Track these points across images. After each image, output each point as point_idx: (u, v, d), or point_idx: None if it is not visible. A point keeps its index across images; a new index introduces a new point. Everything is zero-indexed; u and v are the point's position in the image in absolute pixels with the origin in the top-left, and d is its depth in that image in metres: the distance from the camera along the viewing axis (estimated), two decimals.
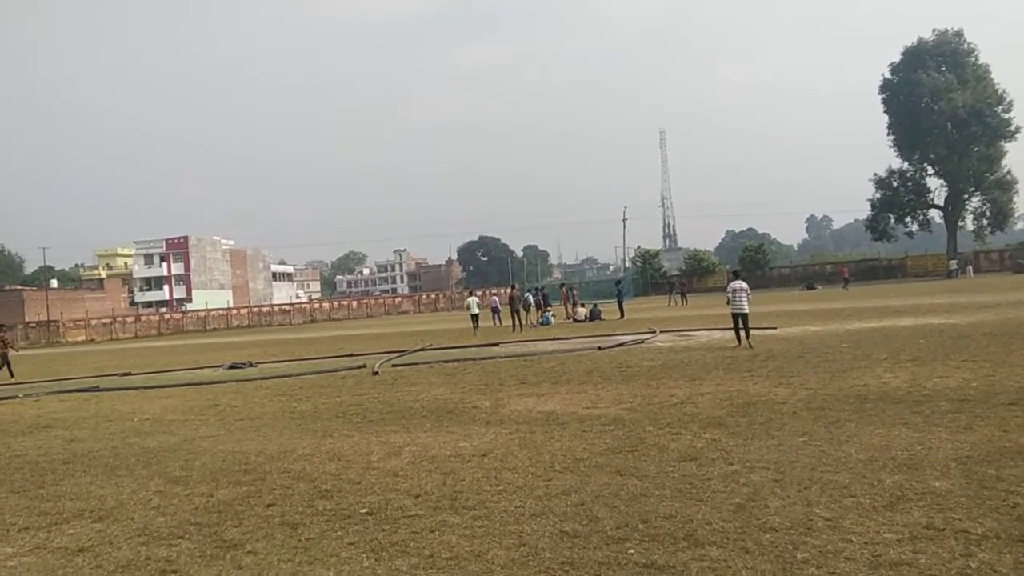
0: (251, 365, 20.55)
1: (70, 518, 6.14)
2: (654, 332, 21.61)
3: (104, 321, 70.05)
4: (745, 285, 17.30)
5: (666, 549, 4.50)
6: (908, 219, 72.57)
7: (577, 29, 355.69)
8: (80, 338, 65.63)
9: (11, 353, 24.17)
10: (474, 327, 29.55)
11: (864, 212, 76.27)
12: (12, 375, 22.72)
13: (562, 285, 49.60)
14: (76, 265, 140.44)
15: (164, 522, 5.84)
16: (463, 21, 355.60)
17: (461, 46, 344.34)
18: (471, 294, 35.87)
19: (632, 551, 4.51)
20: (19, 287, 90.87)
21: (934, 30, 70.07)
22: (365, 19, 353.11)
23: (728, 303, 17.29)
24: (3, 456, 9.24)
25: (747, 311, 16.85)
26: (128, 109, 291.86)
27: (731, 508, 5.18)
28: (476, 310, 30.38)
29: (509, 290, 32.35)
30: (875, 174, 72.48)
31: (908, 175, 71.84)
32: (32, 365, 30.98)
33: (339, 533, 5.26)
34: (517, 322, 29.70)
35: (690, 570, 4.16)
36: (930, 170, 71.76)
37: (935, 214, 74.32)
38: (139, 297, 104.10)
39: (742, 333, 16.54)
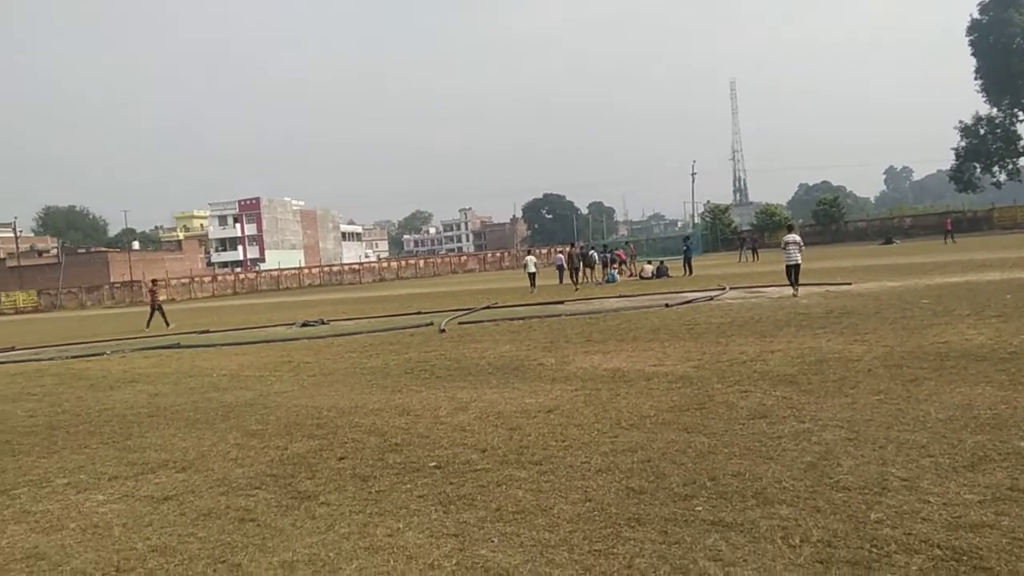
0: (323, 323, 21.06)
1: (155, 468, 6.45)
2: (723, 289, 21.21)
3: (183, 281, 72.68)
4: (797, 238, 18.94)
5: (734, 507, 4.45)
6: (996, 168, 68.88)
7: None
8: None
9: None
10: (531, 285, 29.92)
11: (947, 162, 72.77)
12: (167, 323, 25.15)
13: (627, 243, 49.19)
14: (156, 227, 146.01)
15: (242, 473, 6.07)
16: None
17: (522, 9, 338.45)
18: (529, 253, 36.32)
19: (699, 508, 4.48)
20: (104, 249, 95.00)
21: None
22: None
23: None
24: (93, 409, 9.73)
25: (799, 262, 18.41)
26: (200, 80, 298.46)
27: (802, 467, 5.08)
28: (533, 268, 30.76)
29: (568, 248, 32.40)
30: (960, 121, 68.94)
31: (997, 121, 68.01)
32: (118, 324, 32.49)
33: (408, 486, 5.37)
34: (575, 280, 29.73)
35: (759, 528, 4.11)
36: (1021, 116, 67.76)
37: None
38: (215, 258, 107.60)
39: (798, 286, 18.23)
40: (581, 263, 30.94)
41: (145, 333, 23.33)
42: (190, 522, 5.00)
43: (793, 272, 18.36)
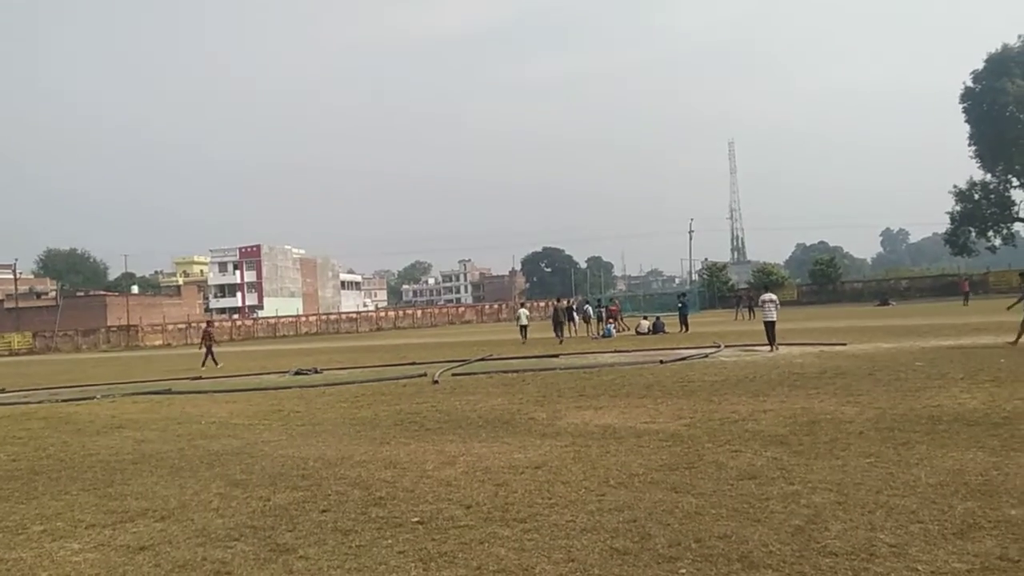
0: (316, 371, 20.95)
1: (134, 517, 6.34)
2: (718, 346, 21.19)
3: (180, 326, 72.55)
4: (773, 297, 20.70)
5: (719, 570, 4.37)
6: (991, 233, 69.43)
7: (642, 41, 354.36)
8: (157, 342, 68.12)
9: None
10: (523, 337, 30.83)
11: (943, 225, 73.37)
12: (216, 364, 26.48)
13: (611, 299, 49.36)
14: (155, 272, 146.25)
15: (222, 524, 5.97)
16: (529, 34, 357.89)
17: (527, 59, 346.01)
18: (522, 306, 37.73)
19: (684, 571, 4.40)
20: (103, 292, 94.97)
21: (1020, 36, 67.08)
22: (430, 33, 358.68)
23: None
24: (78, 455, 9.61)
25: (774, 319, 19.88)
26: (201, 127, 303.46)
27: (789, 530, 5.00)
28: (526, 321, 31.96)
29: (554, 303, 33.40)
30: (955, 186, 69.58)
31: (991, 187, 68.74)
32: (111, 368, 32.31)
33: (389, 541, 5.28)
34: (559, 334, 30.34)
35: None
36: (1015, 182, 68.59)
37: (1021, 227, 71.02)
38: (213, 304, 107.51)
39: (777, 342, 19.54)
40: (566, 317, 31.53)
41: (201, 372, 23.76)
42: (164, 574, 4.90)
43: (770, 328, 19.72)
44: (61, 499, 7.16)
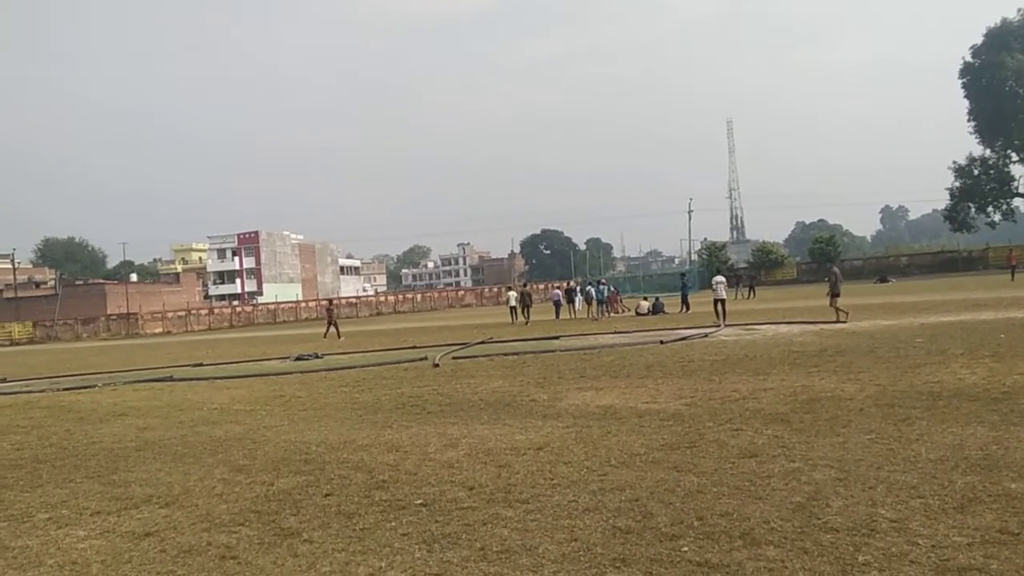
0: (317, 356, 20.96)
1: (139, 503, 6.37)
2: (719, 326, 21.22)
3: (179, 314, 72.58)
4: (722, 279, 24.09)
5: (721, 548, 4.40)
6: (990, 208, 69.29)
7: (639, 18, 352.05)
8: (157, 330, 68.17)
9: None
10: (512, 318, 32.81)
11: (942, 202, 73.27)
12: (340, 335, 29.32)
13: (598, 281, 49.47)
14: (154, 260, 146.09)
15: (226, 509, 6.00)
16: (523, 14, 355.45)
17: (523, 39, 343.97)
18: (510, 289, 41.87)
19: (686, 549, 4.42)
20: (102, 281, 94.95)
21: (1019, 10, 66.71)
22: (429, 11, 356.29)
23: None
24: (81, 443, 9.64)
25: (724, 298, 23.18)
26: (198, 113, 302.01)
27: (791, 507, 5.03)
28: (515, 303, 33.72)
29: (520, 287, 38.19)
30: (954, 162, 69.40)
31: (990, 162, 68.52)
32: (112, 356, 32.35)
33: (393, 524, 5.31)
34: (526, 316, 32.38)
35: (745, 570, 4.05)
36: (1014, 157, 68.40)
37: (1020, 203, 70.89)
38: (213, 291, 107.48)
39: (723, 315, 22.62)
40: (530, 300, 33.98)
41: (332, 347, 24.36)
42: (170, 559, 4.93)
43: (720, 305, 22.77)
44: (65, 487, 7.19)
